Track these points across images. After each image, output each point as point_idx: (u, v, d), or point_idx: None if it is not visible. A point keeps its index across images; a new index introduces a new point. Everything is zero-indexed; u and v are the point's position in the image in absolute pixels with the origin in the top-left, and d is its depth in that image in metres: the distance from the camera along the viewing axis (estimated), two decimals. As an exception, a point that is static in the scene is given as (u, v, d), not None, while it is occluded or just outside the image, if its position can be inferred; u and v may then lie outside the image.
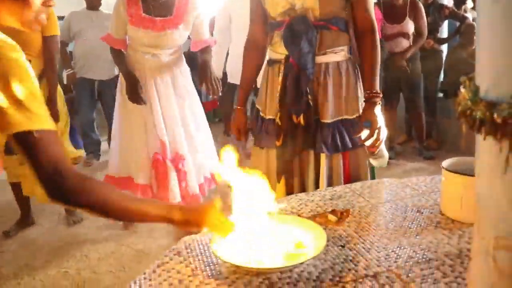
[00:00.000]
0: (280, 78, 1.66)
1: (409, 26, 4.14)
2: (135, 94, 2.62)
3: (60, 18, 3.29)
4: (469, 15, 5.18)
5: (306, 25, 1.57)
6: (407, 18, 4.13)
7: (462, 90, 0.61)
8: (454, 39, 5.03)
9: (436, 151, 4.71)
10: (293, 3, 1.59)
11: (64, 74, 4.44)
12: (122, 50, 2.78)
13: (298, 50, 1.57)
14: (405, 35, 4.17)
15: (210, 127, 3.04)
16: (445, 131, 4.95)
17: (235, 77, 3.25)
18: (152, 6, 2.58)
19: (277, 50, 1.69)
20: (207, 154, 2.91)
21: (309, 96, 1.62)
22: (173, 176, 2.69)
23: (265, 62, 1.83)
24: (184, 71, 2.83)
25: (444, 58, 4.97)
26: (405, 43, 4.18)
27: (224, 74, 3.63)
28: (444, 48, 5.17)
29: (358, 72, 1.72)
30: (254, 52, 1.83)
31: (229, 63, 3.56)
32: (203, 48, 2.78)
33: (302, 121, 1.63)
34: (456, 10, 4.95)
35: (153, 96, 2.69)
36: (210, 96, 2.96)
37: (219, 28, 3.52)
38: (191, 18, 2.68)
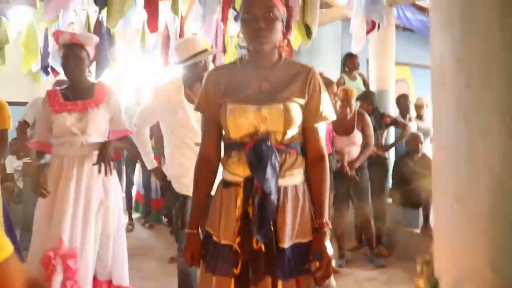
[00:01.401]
0: (239, 202, 1.60)
1: (358, 137, 4.28)
2: (38, 186, 2.58)
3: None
4: (414, 124, 5.46)
5: (270, 149, 1.57)
6: (355, 130, 4.29)
7: (419, 276, 0.55)
8: (401, 147, 5.21)
9: (386, 258, 4.67)
10: (257, 127, 1.60)
11: (23, 162, 4.28)
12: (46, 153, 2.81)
13: (263, 174, 1.54)
14: (353, 145, 4.29)
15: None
16: (394, 237, 4.96)
17: (177, 185, 2.87)
18: (71, 94, 2.73)
19: (235, 171, 1.64)
20: (117, 263, 2.79)
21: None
22: (58, 273, 2.52)
23: (219, 183, 1.75)
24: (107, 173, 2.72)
25: (390, 164, 5.12)
26: (354, 153, 4.30)
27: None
28: (392, 154, 5.35)
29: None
30: (207, 171, 1.76)
31: (169, 170, 2.97)
32: (120, 138, 2.85)
33: (263, 247, 1.56)
34: (397, 118, 5.20)
35: (67, 189, 2.62)
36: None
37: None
38: (112, 101, 2.76)
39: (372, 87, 5.31)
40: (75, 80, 2.73)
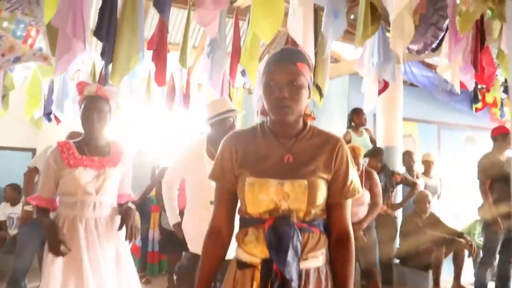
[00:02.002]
0: (255, 286, 1.44)
1: (365, 196, 4.13)
2: (57, 243, 2.32)
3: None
4: (421, 181, 5.32)
5: (291, 228, 1.40)
6: (363, 189, 4.15)
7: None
8: (409, 205, 5.07)
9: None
10: (278, 204, 1.44)
11: (22, 209, 4.12)
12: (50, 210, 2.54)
13: (284, 257, 1.38)
14: (361, 206, 4.14)
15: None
16: (402, 301, 4.73)
17: (190, 244, 2.96)
18: (87, 148, 2.52)
19: (251, 252, 1.48)
20: None
21: None
22: None
23: (233, 261, 1.57)
24: (119, 234, 2.56)
25: (398, 223, 4.96)
26: (361, 213, 4.14)
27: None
28: (399, 213, 5.19)
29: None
30: (216, 244, 1.59)
31: (185, 229, 3.10)
32: (126, 203, 2.67)
33: None
34: (407, 176, 5.07)
35: (82, 255, 2.36)
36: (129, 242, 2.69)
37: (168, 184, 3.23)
38: (126, 162, 2.62)
39: (379, 143, 5.21)
40: (94, 135, 2.54)
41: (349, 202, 1.55)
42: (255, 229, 1.47)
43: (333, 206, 1.52)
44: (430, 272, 4.57)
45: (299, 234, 1.42)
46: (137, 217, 2.58)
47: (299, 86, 1.44)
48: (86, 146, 2.53)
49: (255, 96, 5.85)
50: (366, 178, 4.16)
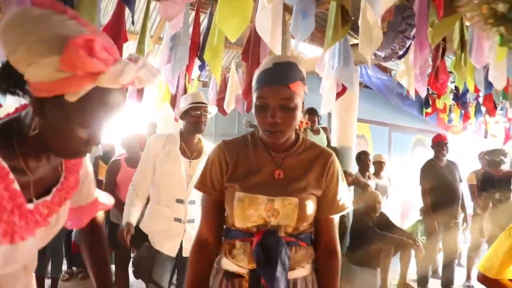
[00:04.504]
0: None
1: None
2: None
3: None
4: (372, 182, 5.44)
5: (279, 244, 1.38)
6: None
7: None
8: (360, 206, 5.15)
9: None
10: (267, 220, 1.41)
11: None
12: None
13: (273, 273, 1.35)
14: None
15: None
16: (350, 299, 4.81)
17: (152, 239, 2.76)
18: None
19: (239, 263, 1.44)
20: None
21: None
22: None
23: (217, 271, 1.52)
24: None
25: (348, 222, 5.04)
26: None
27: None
28: (350, 212, 5.27)
29: None
30: (204, 257, 1.53)
31: (146, 227, 2.89)
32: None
33: None
34: (359, 177, 5.16)
35: None
36: None
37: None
38: None
39: (334, 143, 5.27)
40: None
41: (337, 216, 1.53)
42: (243, 243, 1.44)
43: (321, 221, 1.51)
44: (379, 270, 4.68)
45: (287, 249, 1.40)
46: None
47: (293, 108, 1.35)
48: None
49: (211, 90, 5.75)
50: None
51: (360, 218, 4.92)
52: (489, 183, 5.38)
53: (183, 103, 2.76)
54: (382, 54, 3.22)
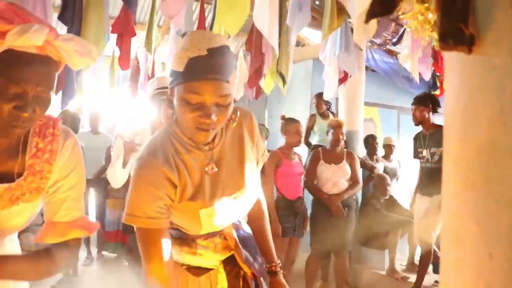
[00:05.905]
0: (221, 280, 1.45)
1: (346, 168, 4.22)
2: None
3: None
4: (381, 165, 5.49)
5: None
6: (344, 161, 4.25)
7: None
8: (368, 187, 5.23)
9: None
10: (222, 226, 1.43)
11: None
12: None
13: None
14: (343, 177, 4.23)
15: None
16: (358, 278, 4.94)
17: None
18: None
19: (209, 259, 1.45)
20: None
21: None
22: None
23: (180, 270, 1.44)
24: None
25: (357, 205, 5.12)
26: (343, 185, 4.21)
27: None
28: (358, 195, 5.35)
29: None
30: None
31: None
32: None
33: None
34: (366, 160, 5.21)
35: None
36: None
37: None
38: None
39: (342, 127, 5.33)
40: None
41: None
42: (205, 240, 1.41)
43: None
44: (387, 251, 4.77)
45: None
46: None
47: (229, 104, 1.18)
48: None
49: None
50: (347, 156, 4.28)
51: (368, 202, 4.99)
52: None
53: (149, 89, 2.64)
54: (377, 41, 3.28)
